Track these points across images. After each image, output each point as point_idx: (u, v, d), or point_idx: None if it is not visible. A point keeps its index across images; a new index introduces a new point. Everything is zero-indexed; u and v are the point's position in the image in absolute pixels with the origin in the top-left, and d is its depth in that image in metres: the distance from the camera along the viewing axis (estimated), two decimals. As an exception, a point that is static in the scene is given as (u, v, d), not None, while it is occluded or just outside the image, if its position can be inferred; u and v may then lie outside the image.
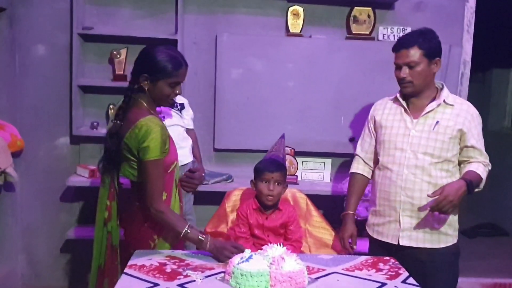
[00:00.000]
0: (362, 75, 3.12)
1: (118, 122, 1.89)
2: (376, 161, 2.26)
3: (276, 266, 1.58)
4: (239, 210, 2.21)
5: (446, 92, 2.12)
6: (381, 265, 1.82)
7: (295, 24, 3.10)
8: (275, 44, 3.08)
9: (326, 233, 2.39)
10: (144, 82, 1.88)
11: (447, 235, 2.12)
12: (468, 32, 3.26)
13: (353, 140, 3.18)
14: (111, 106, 3.06)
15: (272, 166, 2.14)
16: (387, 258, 1.91)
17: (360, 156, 2.31)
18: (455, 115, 2.08)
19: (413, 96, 2.12)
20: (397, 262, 1.87)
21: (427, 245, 2.10)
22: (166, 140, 1.88)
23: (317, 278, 1.66)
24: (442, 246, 2.11)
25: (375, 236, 2.22)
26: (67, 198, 3.20)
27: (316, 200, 2.54)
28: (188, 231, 1.84)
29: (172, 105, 2.49)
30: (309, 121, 3.15)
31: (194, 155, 2.68)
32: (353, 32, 3.13)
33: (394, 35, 3.16)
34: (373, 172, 2.29)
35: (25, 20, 3.02)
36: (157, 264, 1.74)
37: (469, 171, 2.05)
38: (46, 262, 3.25)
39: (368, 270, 1.77)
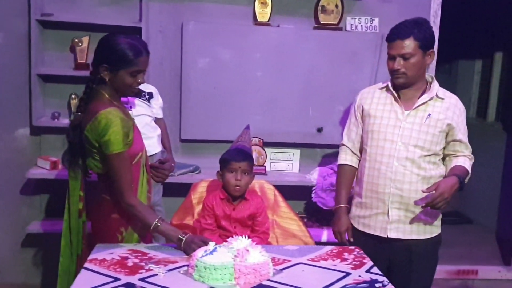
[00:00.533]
0: (330, 65, 3.12)
1: (80, 114, 1.86)
2: (361, 151, 2.23)
3: (240, 258, 1.56)
4: (205, 201, 2.17)
5: (437, 85, 2.10)
6: (346, 255, 1.83)
7: (263, 13, 3.06)
8: (243, 33, 3.04)
9: (294, 224, 2.38)
10: (104, 73, 1.84)
11: (432, 226, 2.13)
12: (434, 23, 3.29)
13: (321, 130, 3.18)
14: (73, 96, 2.96)
15: (239, 156, 2.11)
16: (352, 248, 1.91)
17: (347, 146, 2.26)
18: (445, 109, 2.07)
19: (404, 87, 2.08)
20: (362, 252, 1.87)
21: (414, 236, 2.10)
22: (128, 132, 1.85)
23: (282, 269, 1.65)
24: (427, 237, 2.12)
25: (360, 228, 2.18)
26: (28, 191, 3.10)
27: (285, 190, 2.52)
28: (159, 224, 1.83)
29: (138, 94, 2.44)
30: (277, 111, 3.13)
31: (163, 145, 2.64)
32: (321, 22, 3.11)
33: (361, 26, 3.16)
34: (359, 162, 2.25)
35: (-21, 6, 2.88)
36: (119, 258, 1.69)
37: (458, 166, 2.05)
38: (7, 258, 3.14)
39: (333, 260, 1.77)
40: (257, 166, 2.94)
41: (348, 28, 3.17)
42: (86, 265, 1.63)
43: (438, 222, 2.16)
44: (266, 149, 3.17)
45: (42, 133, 3.04)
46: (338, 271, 1.67)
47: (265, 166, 3.15)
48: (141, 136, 2.00)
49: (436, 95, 2.08)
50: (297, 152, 3.25)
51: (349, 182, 2.25)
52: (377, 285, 1.57)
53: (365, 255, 1.84)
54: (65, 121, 2.94)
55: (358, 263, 1.75)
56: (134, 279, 1.53)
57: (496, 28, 4.70)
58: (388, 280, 1.61)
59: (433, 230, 2.14)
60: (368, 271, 1.68)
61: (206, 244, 1.71)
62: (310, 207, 3.28)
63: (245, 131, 2.33)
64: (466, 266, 3.63)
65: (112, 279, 1.52)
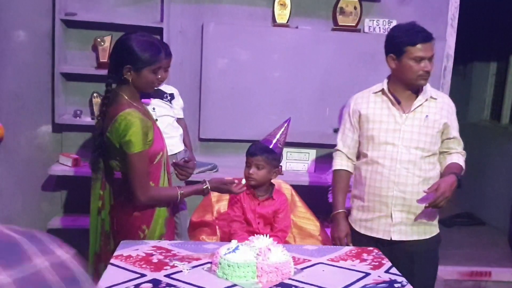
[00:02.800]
0: (348, 67, 3.14)
1: (100, 119, 1.92)
2: (358, 156, 2.24)
3: (262, 257, 1.59)
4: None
5: (429, 85, 2.13)
6: (365, 256, 1.86)
7: (282, 15, 3.09)
8: (261, 34, 3.07)
9: (311, 224, 2.41)
10: (128, 74, 1.88)
11: (431, 225, 2.17)
12: (452, 26, 3.30)
13: (337, 131, 3.20)
14: (94, 94, 3.02)
15: (252, 149, 2.14)
16: (371, 248, 1.94)
17: (342, 152, 2.26)
18: (440, 109, 2.11)
19: (417, 89, 2.10)
20: (380, 253, 1.90)
21: (415, 237, 2.13)
22: (148, 132, 1.89)
23: (302, 269, 1.68)
24: (428, 237, 2.15)
25: (362, 231, 2.19)
26: (49, 187, 3.16)
27: (300, 190, 2.56)
28: (182, 191, 1.98)
29: (160, 95, 2.50)
30: (294, 111, 3.14)
31: (185, 144, 2.69)
32: (339, 24, 3.13)
33: (380, 28, 3.18)
34: (355, 166, 2.25)
35: (5, 6, 2.94)
36: (144, 255, 1.73)
37: (454, 164, 2.10)
38: (28, 252, 3.21)
39: (353, 261, 1.80)
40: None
41: (366, 30, 3.19)
42: (112, 261, 1.68)
43: (436, 222, 2.20)
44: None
45: (64, 131, 3.10)
46: (357, 271, 1.70)
47: (281, 166, 3.18)
48: (161, 136, 2.03)
49: (430, 96, 2.11)
50: (313, 152, 3.28)
51: (346, 187, 2.26)
52: (396, 285, 1.60)
53: (383, 256, 1.86)
54: (86, 119, 3.00)
55: (377, 263, 1.78)
56: (159, 275, 1.57)
57: (512, 30, 4.68)
58: (406, 281, 1.64)
59: (432, 229, 2.17)
60: (387, 271, 1.71)
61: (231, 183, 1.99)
62: (326, 208, 3.30)
63: (281, 124, 2.31)
64: (479, 267, 3.63)
65: (139, 275, 1.56)
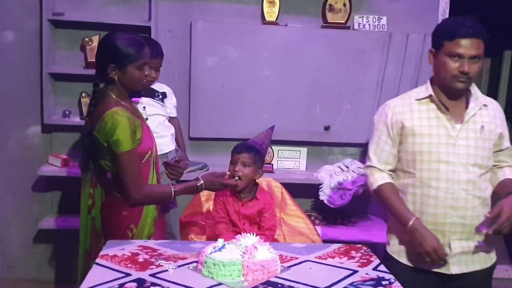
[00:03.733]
0: (338, 64, 3.13)
1: (88, 119, 1.92)
2: (395, 172, 1.96)
3: (248, 255, 1.58)
4: (216, 195, 2.20)
5: (478, 91, 1.87)
6: (353, 253, 1.84)
7: (271, 12, 3.08)
8: (251, 32, 3.06)
9: (301, 222, 2.40)
10: (112, 73, 1.88)
11: (491, 252, 1.92)
12: (442, 22, 3.29)
13: (328, 128, 3.20)
14: (83, 94, 3.01)
15: (239, 147, 2.13)
16: (359, 246, 1.93)
17: (379, 169, 1.93)
18: (493, 117, 1.85)
19: (457, 96, 1.83)
20: (369, 250, 1.89)
21: (477, 267, 1.87)
22: (136, 130, 1.88)
23: (289, 267, 1.67)
24: (489, 265, 1.91)
25: (411, 263, 1.90)
26: (39, 188, 3.14)
27: (292, 188, 2.55)
28: (176, 189, 1.97)
29: (151, 94, 2.49)
30: (285, 109, 3.15)
31: (177, 143, 2.67)
32: (329, 21, 3.12)
33: (369, 24, 3.17)
34: (398, 188, 1.93)
35: (-8, 6, 2.93)
36: (129, 254, 1.72)
37: (509, 181, 1.85)
38: (19, 253, 3.20)
39: (340, 258, 1.78)
40: (264, 164, 2.96)
41: (356, 27, 3.18)
42: (97, 260, 1.66)
43: (494, 249, 1.94)
44: (273, 147, 3.19)
45: (53, 131, 3.09)
46: (345, 268, 1.68)
47: (272, 164, 3.17)
48: (150, 135, 2.02)
49: (483, 103, 1.86)
50: (304, 150, 3.27)
51: (399, 196, 1.91)
52: (383, 282, 1.58)
53: (372, 253, 1.85)
54: (75, 119, 2.98)
55: (365, 261, 1.76)
56: (144, 275, 1.55)
57: (505, 26, 4.67)
58: (394, 278, 1.63)
59: (492, 257, 1.92)
60: (375, 269, 1.69)
61: (222, 175, 2.01)
62: (317, 205, 3.30)
63: (267, 130, 2.33)
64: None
65: (123, 275, 1.55)
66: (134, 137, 1.87)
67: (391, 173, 1.95)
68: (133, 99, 2.24)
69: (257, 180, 2.18)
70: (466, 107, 1.85)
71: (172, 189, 1.97)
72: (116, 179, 1.94)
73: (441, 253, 1.78)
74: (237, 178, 2.06)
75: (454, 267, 1.84)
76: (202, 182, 2.01)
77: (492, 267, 1.93)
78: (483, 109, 1.86)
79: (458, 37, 1.72)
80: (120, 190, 1.92)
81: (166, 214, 2.54)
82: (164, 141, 2.51)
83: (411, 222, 1.82)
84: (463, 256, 1.84)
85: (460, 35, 1.72)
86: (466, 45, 1.72)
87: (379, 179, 1.92)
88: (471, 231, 1.82)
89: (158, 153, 2.19)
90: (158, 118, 2.53)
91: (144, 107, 2.44)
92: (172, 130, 2.65)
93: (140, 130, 1.91)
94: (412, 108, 1.87)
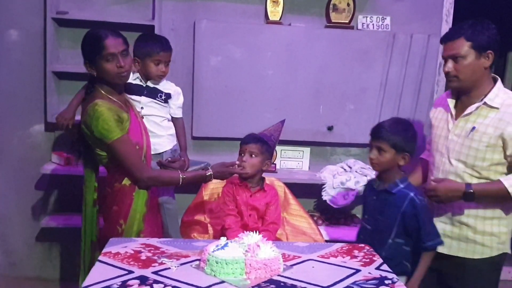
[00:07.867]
0: (341, 64, 3.13)
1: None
2: None
3: (251, 253, 1.58)
4: (225, 188, 2.21)
5: (495, 91, 1.91)
6: (355, 252, 1.84)
7: (275, 12, 3.08)
8: (254, 31, 3.05)
9: (304, 221, 2.40)
10: (89, 69, 1.94)
11: (483, 246, 1.98)
12: (447, 22, 3.28)
13: (332, 128, 3.19)
14: (87, 93, 3.00)
15: (247, 138, 2.16)
16: (362, 245, 1.93)
17: None
18: (497, 120, 1.87)
19: (465, 92, 1.96)
20: (371, 249, 1.89)
21: (461, 255, 2.01)
22: (122, 121, 1.91)
23: (292, 265, 1.67)
24: (477, 257, 1.99)
25: None
26: (42, 186, 3.15)
27: (294, 188, 2.54)
28: (184, 176, 1.99)
29: (152, 90, 2.48)
30: (288, 109, 3.15)
31: (179, 144, 2.66)
32: (333, 21, 3.12)
33: (373, 24, 3.16)
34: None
35: (-3, 4, 2.94)
36: (132, 252, 1.72)
37: (496, 182, 1.89)
38: (21, 251, 3.20)
39: (343, 257, 1.78)
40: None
41: (360, 26, 3.17)
42: (100, 258, 1.67)
43: (493, 244, 1.98)
44: (276, 147, 3.18)
45: (56, 130, 3.08)
46: (348, 267, 1.68)
47: (275, 164, 3.17)
48: (141, 131, 2.04)
49: (486, 104, 1.91)
50: (307, 150, 3.27)
51: None
52: (386, 281, 1.58)
53: (374, 253, 1.85)
54: (79, 118, 2.97)
55: (368, 260, 1.76)
56: (147, 272, 1.56)
57: (509, 27, 4.66)
58: (397, 277, 1.62)
59: (485, 251, 1.98)
60: (378, 268, 1.69)
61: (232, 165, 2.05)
62: (320, 205, 3.30)
63: (276, 124, 2.32)
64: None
65: (126, 272, 1.55)
66: (121, 125, 1.89)
67: None
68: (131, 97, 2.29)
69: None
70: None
71: (181, 176, 1.99)
72: (112, 172, 1.98)
73: None
74: (242, 167, 2.09)
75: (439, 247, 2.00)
76: (211, 172, 2.04)
77: (489, 262, 1.99)
78: (492, 111, 1.90)
79: (441, 43, 1.99)
80: (128, 177, 1.95)
81: (164, 217, 2.54)
82: (160, 141, 2.49)
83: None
84: (447, 239, 2.01)
85: (442, 41, 1.98)
86: (445, 48, 1.95)
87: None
88: (454, 218, 2.00)
89: (153, 153, 2.21)
90: (154, 118, 2.49)
91: (142, 107, 2.44)
92: (171, 131, 2.61)
93: (128, 122, 1.93)
94: (441, 102, 2.14)
